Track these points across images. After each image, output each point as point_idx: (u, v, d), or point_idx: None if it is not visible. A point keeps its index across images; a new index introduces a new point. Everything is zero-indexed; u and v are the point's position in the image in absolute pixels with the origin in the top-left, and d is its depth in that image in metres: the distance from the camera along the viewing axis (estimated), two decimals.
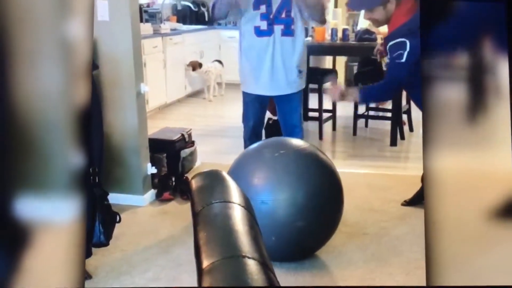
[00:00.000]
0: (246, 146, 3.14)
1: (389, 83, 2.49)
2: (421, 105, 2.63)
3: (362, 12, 4.96)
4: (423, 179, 3.03)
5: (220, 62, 6.33)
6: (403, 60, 2.38)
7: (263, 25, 2.87)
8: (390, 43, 2.41)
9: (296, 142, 2.41)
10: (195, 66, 6.02)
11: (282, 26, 2.87)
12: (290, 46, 2.90)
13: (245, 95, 3.08)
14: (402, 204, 3.04)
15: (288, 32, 2.88)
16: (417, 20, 2.34)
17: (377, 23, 2.55)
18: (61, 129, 1.28)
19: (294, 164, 2.25)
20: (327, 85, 2.61)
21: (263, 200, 2.17)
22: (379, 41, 4.17)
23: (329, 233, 2.38)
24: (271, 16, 2.86)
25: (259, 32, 2.89)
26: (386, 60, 2.94)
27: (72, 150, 1.26)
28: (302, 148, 2.35)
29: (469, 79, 1.35)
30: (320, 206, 2.24)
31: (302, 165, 2.26)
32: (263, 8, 2.85)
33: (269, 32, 2.88)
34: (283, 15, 2.86)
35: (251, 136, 3.13)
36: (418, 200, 3.00)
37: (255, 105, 3.06)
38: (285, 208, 2.19)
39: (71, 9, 1.26)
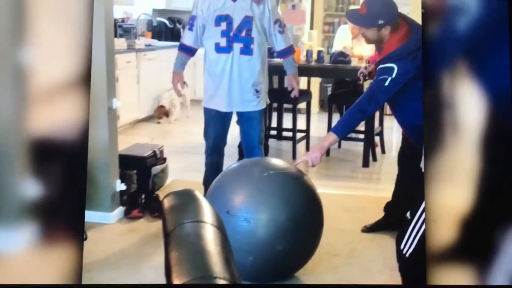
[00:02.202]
0: (206, 162, 3.17)
1: (364, 99, 2.53)
2: (404, 126, 2.69)
3: (339, 32, 5.06)
4: (385, 208, 3.06)
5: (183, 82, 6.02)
6: (386, 84, 2.43)
7: (223, 42, 2.90)
8: (380, 66, 2.49)
9: (284, 164, 2.40)
10: (166, 113, 5.75)
11: (241, 45, 2.90)
12: (247, 65, 2.94)
13: (205, 110, 3.10)
14: (363, 230, 3.02)
15: (247, 51, 2.91)
16: (409, 47, 2.43)
17: (368, 40, 2.63)
18: (13, 158, 1.22)
19: (281, 186, 2.24)
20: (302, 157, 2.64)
21: (246, 218, 2.14)
22: (363, 64, 4.23)
23: (307, 257, 2.37)
24: (231, 34, 2.89)
25: (218, 49, 2.92)
26: (368, 83, 3.00)
27: (26, 179, 1.21)
28: (289, 171, 2.34)
29: (428, 114, 1.36)
30: (302, 231, 2.23)
31: (288, 188, 2.25)
32: (223, 25, 2.88)
33: (228, 49, 2.90)
34: (243, 34, 2.89)
35: (211, 152, 3.13)
36: (378, 228, 3.00)
37: (215, 122, 3.07)
38: (267, 229, 2.17)
39: (26, 35, 1.22)
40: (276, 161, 2.43)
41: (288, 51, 3.11)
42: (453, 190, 1.31)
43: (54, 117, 1.23)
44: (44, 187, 1.21)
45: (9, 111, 1.23)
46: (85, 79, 1.23)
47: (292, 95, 3.19)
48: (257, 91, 3.00)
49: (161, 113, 5.77)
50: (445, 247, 1.33)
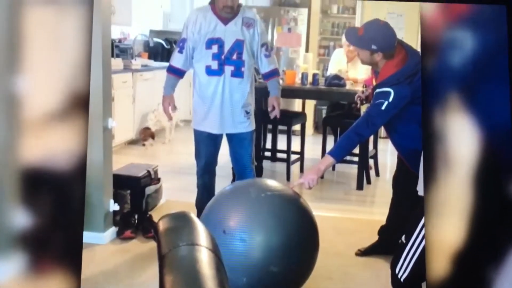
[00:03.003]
0: (198, 183, 3.17)
1: (362, 123, 2.55)
2: (400, 149, 2.70)
3: (334, 56, 5.11)
4: (380, 232, 3.05)
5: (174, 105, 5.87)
6: (383, 108, 2.46)
7: (214, 65, 2.93)
8: (377, 90, 2.52)
9: (280, 185, 2.40)
10: (152, 135, 5.67)
11: (232, 67, 2.94)
12: (238, 87, 2.97)
13: (196, 132, 3.11)
14: (357, 254, 3.01)
15: (238, 73, 2.95)
16: (406, 72, 2.46)
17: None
18: (10, 187, 1.21)
19: (278, 207, 2.22)
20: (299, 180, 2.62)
21: (242, 238, 2.12)
22: (358, 87, 4.27)
23: (302, 279, 2.34)
24: (222, 57, 2.92)
25: (210, 72, 2.94)
26: (365, 107, 3.02)
27: (15, 209, 1.19)
28: (286, 193, 2.33)
29: (428, 145, 1.36)
30: (297, 253, 2.21)
31: (285, 210, 2.23)
32: (215, 48, 2.91)
33: (219, 72, 2.93)
34: (234, 57, 2.93)
35: (203, 174, 3.14)
36: (373, 251, 2.99)
37: (206, 143, 3.08)
38: (262, 250, 2.14)
39: (20, 61, 1.21)
40: (272, 183, 2.42)
41: (272, 74, 3.14)
42: (452, 222, 1.30)
43: (51, 145, 1.21)
44: (41, 216, 1.19)
45: (2, 139, 1.22)
46: (83, 105, 1.22)
47: (272, 116, 3.21)
48: (247, 113, 3.04)
49: (147, 135, 5.65)
50: (443, 278, 1.32)
